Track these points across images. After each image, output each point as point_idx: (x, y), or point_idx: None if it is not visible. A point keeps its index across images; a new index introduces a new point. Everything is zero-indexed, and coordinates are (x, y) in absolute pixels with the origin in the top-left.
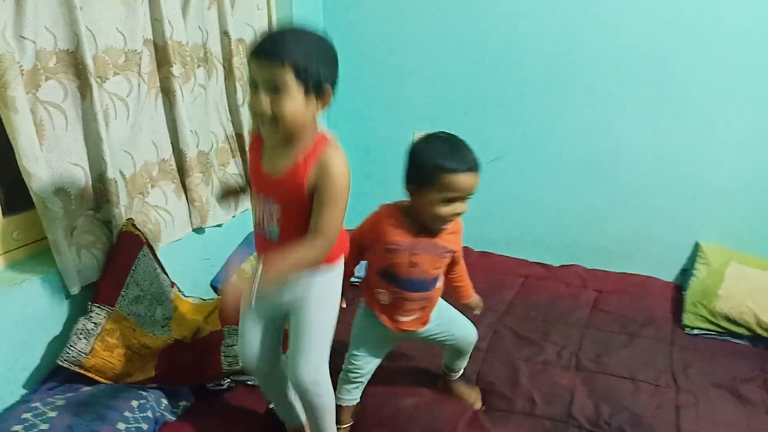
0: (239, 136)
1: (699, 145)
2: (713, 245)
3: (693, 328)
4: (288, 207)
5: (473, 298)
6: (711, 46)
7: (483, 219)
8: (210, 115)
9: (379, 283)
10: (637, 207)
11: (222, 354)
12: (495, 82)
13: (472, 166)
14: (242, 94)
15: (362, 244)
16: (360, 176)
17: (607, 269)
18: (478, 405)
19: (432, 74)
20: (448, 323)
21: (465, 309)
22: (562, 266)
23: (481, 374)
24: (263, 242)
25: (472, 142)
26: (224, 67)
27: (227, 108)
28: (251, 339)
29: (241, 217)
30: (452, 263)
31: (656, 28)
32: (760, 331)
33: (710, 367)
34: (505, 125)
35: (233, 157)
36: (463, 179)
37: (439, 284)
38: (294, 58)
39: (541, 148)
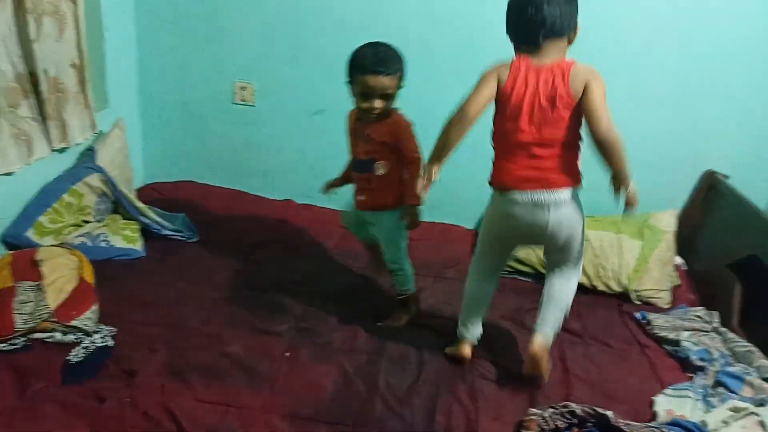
0: (33, 75)
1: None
2: None
3: None
4: None
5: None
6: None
7: (306, 171)
8: None
9: None
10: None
11: (15, 312)
12: (317, 34)
13: (378, 70)
14: (35, 27)
15: None
16: (177, 127)
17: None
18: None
19: (254, 25)
20: (386, 239)
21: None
22: None
23: (299, 318)
24: None
25: (296, 94)
26: None
27: (18, 43)
28: None
29: (36, 166)
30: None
31: None
32: (540, 269)
33: (501, 302)
34: (327, 79)
35: (25, 98)
36: (369, 79)
37: (379, 172)
38: None
39: None
